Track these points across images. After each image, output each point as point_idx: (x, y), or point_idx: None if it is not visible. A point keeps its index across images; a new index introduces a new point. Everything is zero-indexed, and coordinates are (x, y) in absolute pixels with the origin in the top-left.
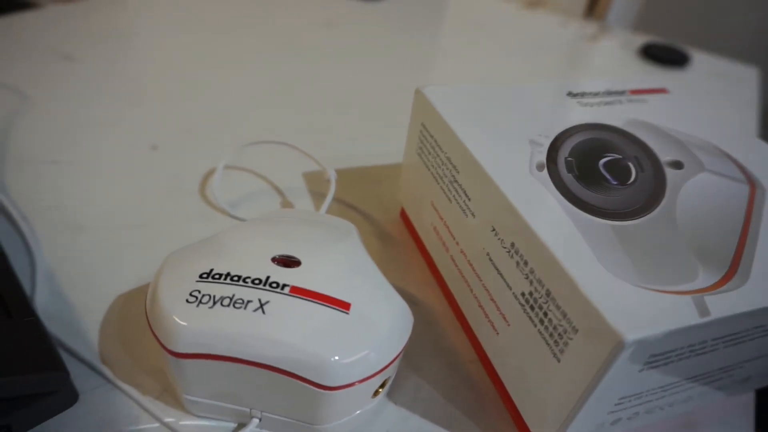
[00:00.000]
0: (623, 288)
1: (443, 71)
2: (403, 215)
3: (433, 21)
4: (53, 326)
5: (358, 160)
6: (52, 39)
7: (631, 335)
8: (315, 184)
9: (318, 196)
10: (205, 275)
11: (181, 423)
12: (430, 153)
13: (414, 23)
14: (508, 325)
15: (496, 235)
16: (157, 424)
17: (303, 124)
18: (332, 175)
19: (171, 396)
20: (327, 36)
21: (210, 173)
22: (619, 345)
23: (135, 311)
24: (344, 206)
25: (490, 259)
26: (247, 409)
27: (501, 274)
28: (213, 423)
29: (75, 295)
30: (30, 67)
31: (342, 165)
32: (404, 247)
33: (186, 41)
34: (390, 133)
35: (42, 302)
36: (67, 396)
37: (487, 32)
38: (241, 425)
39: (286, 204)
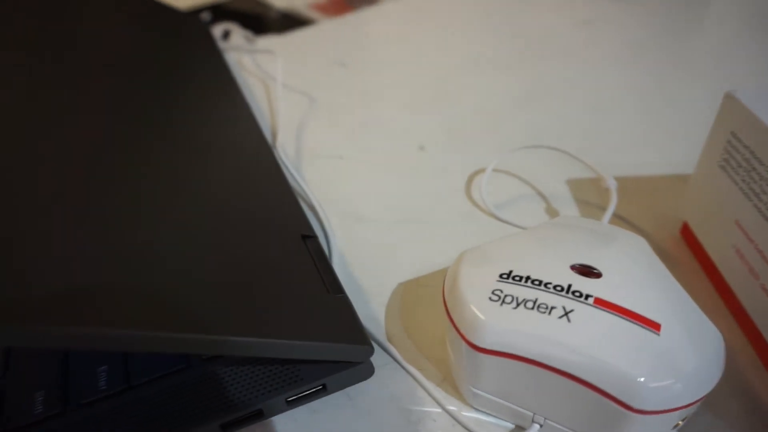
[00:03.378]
0: None
1: (720, 74)
2: (686, 232)
3: (699, 18)
4: None
5: (628, 169)
6: (329, 49)
7: None
8: (580, 191)
9: (584, 204)
10: (504, 276)
11: (463, 413)
12: (741, 166)
13: (678, 21)
14: None
15: None
16: (439, 410)
17: (565, 128)
18: (612, 184)
19: (450, 385)
20: (585, 35)
21: (474, 175)
22: None
23: (413, 300)
24: (614, 217)
25: None
26: (530, 413)
27: None
28: (491, 419)
29: (362, 278)
30: (314, 74)
31: (610, 173)
32: (685, 267)
33: (446, 45)
34: (661, 140)
35: None
36: (367, 369)
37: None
38: (520, 428)
39: (551, 211)
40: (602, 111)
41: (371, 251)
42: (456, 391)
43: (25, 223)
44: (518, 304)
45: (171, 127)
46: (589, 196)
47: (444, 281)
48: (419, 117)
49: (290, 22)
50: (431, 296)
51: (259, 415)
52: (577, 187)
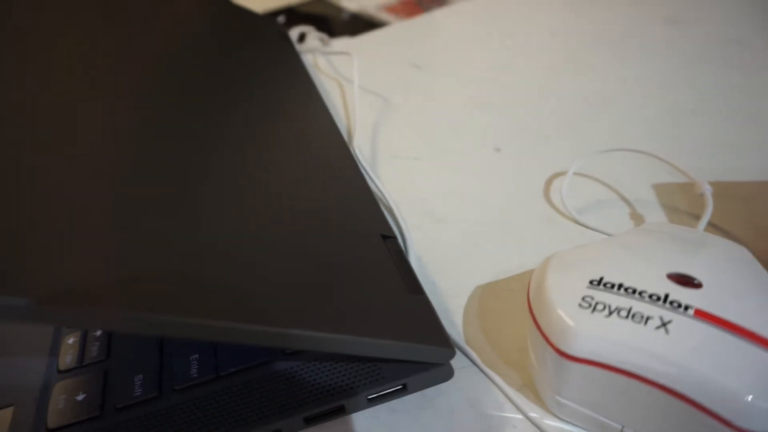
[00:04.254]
0: None
1: None
2: None
3: None
4: None
5: (719, 174)
6: (402, 50)
7: None
8: (668, 196)
9: (672, 211)
10: (595, 282)
11: (545, 421)
12: None
13: None
14: None
15: None
16: (520, 416)
17: (648, 130)
18: (707, 190)
19: (531, 391)
20: (669, 34)
21: (553, 177)
22: None
23: (492, 303)
24: (708, 225)
25: None
26: (619, 426)
27: None
28: (575, 430)
29: (439, 280)
30: (388, 76)
31: (701, 178)
32: None
33: (521, 45)
34: (756, 144)
35: None
36: (447, 371)
37: None
38: None
39: (636, 216)
40: (689, 113)
41: (448, 253)
42: (537, 398)
43: (130, 214)
44: (611, 313)
45: (253, 126)
46: (677, 201)
47: (528, 285)
48: (494, 118)
49: (361, 24)
50: (511, 300)
51: (341, 411)
52: (664, 192)
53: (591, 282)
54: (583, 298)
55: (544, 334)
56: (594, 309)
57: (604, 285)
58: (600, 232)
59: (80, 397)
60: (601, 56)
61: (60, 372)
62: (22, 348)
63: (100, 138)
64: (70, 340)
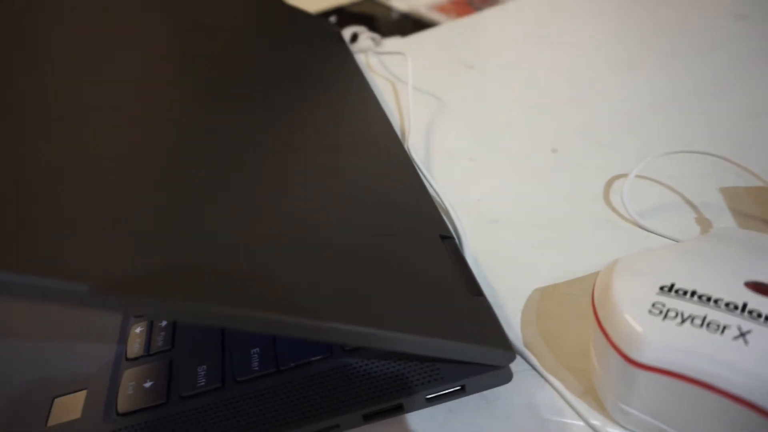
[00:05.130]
0: None
1: None
2: None
3: None
4: None
5: None
6: (454, 50)
7: None
8: (737, 201)
9: (741, 216)
10: (666, 288)
11: (607, 429)
12: None
13: None
14: None
15: None
16: (581, 423)
17: (714, 132)
18: None
19: (592, 398)
20: (738, 31)
21: (613, 179)
22: None
23: (551, 307)
24: None
25: None
26: None
27: None
28: None
29: (495, 282)
30: (441, 75)
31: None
32: None
33: (576, 43)
34: None
35: None
36: (506, 374)
37: None
38: None
39: (702, 221)
40: (758, 112)
41: (505, 255)
42: (600, 405)
43: (194, 208)
44: (683, 320)
45: (312, 125)
46: (748, 206)
47: (593, 289)
48: (550, 118)
49: (411, 23)
50: (571, 304)
51: (399, 409)
52: (733, 196)
53: (662, 288)
54: (653, 305)
55: (611, 339)
56: (665, 316)
57: (676, 292)
58: (665, 237)
59: (147, 385)
60: (664, 54)
61: (128, 360)
62: (94, 336)
63: (161, 132)
64: (138, 329)
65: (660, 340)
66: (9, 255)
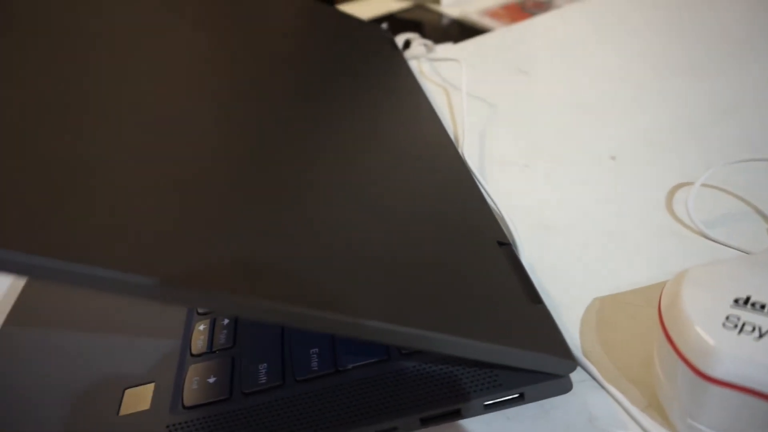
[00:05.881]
0: None
1: None
2: None
3: None
4: None
5: None
6: (507, 56)
7: None
8: None
9: None
10: (741, 301)
11: None
12: None
13: None
14: None
15: None
16: None
17: None
18: None
19: (657, 412)
20: None
21: (676, 188)
22: None
23: (612, 317)
24: None
25: None
26: None
27: None
28: None
29: (553, 290)
30: (494, 82)
31: None
32: None
33: (634, 49)
34: None
35: None
36: (566, 383)
37: None
38: None
39: None
40: None
41: (562, 263)
42: (664, 419)
43: (256, 209)
44: (761, 335)
45: (369, 130)
46: None
47: (660, 300)
48: (608, 125)
49: (462, 29)
50: (633, 314)
51: (457, 414)
52: None
53: (736, 301)
54: (727, 318)
55: (680, 352)
56: (741, 330)
57: (752, 305)
58: (734, 248)
59: (211, 380)
60: (727, 58)
61: (192, 355)
62: (161, 331)
63: (231, 134)
64: (201, 327)
65: (735, 354)
66: (87, 248)
